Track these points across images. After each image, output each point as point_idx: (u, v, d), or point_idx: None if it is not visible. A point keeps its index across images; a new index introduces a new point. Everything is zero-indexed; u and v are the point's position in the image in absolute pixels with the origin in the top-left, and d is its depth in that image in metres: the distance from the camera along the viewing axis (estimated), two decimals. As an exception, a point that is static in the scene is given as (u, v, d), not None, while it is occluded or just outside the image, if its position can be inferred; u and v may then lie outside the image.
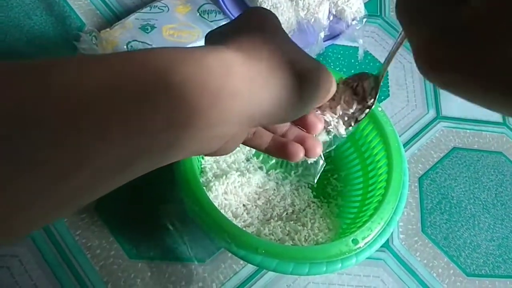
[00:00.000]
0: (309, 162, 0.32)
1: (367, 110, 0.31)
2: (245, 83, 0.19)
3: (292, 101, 0.22)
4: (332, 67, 0.61)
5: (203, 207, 0.34)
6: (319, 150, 0.28)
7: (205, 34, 0.25)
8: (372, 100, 0.31)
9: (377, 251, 0.36)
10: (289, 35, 0.57)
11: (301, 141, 0.28)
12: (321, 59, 0.61)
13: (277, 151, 0.28)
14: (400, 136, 0.52)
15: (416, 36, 0.16)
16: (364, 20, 0.60)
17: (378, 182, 0.41)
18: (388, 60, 0.30)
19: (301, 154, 0.28)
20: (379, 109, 0.43)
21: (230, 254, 0.43)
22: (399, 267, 0.46)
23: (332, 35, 0.60)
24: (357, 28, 0.59)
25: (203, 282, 0.42)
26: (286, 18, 0.57)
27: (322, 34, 0.57)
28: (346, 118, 0.31)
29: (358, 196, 0.44)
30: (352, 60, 0.62)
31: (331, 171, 0.49)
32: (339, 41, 0.62)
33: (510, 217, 0.51)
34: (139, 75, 0.16)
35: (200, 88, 0.18)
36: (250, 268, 0.44)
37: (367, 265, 0.45)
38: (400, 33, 0.27)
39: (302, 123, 0.29)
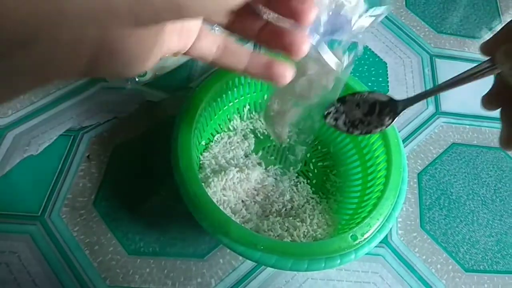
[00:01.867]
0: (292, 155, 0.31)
1: (382, 128, 0.32)
2: None
3: None
4: (331, 62, 0.61)
5: (201, 203, 0.34)
6: (305, 47, 0.22)
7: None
8: (390, 121, 0.31)
9: (376, 246, 0.36)
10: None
11: (279, 37, 0.21)
12: (320, 54, 0.61)
13: (260, 72, 0.23)
14: (399, 132, 0.52)
15: None
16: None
17: (377, 178, 0.41)
18: (419, 97, 0.30)
19: (288, 76, 0.23)
20: None
21: (229, 250, 0.43)
22: (398, 263, 0.46)
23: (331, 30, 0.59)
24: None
25: (202, 278, 0.42)
26: (285, 13, 0.57)
27: (321, 28, 0.56)
28: (356, 123, 0.32)
29: (357, 192, 0.44)
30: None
31: (330, 167, 0.49)
32: (338, 36, 0.62)
33: (509, 213, 0.51)
34: None
35: None
36: (249, 264, 0.44)
37: (366, 261, 0.45)
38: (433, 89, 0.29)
39: (283, 10, 0.21)
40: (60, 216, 0.44)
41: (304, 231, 0.42)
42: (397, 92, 0.59)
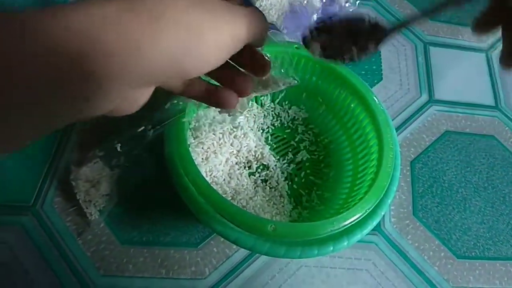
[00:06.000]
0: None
1: (364, 55, 0.29)
2: (125, 38, 0.17)
3: (193, 53, 0.20)
4: (325, 50, 0.60)
5: (197, 189, 0.34)
6: (249, 88, 0.27)
7: None
8: (374, 47, 0.28)
9: (368, 234, 0.36)
10: (281, 17, 0.56)
11: (232, 80, 0.27)
12: (314, 42, 0.61)
13: (210, 99, 0.27)
14: (392, 120, 0.52)
15: None
16: (357, 2, 0.59)
17: (369, 167, 0.41)
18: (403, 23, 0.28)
19: (233, 101, 0.27)
20: (375, 99, 0.42)
21: (222, 239, 0.43)
22: (390, 250, 0.46)
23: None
24: (350, 10, 0.59)
25: (196, 267, 0.43)
26: None
27: (314, 17, 0.56)
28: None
29: (348, 182, 0.44)
30: (345, 44, 0.61)
31: (321, 158, 0.49)
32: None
33: (500, 200, 0.51)
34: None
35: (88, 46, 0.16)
36: (242, 253, 0.44)
37: (359, 248, 0.46)
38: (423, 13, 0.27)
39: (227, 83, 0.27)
40: (52, 206, 0.44)
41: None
42: (391, 80, 0.59)
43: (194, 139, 0.44)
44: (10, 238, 0.42)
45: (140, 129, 0.40)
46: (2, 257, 0.41)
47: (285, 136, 0.50)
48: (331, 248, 0.34)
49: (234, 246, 0.44)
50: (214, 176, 0.44)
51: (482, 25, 0.26)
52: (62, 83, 0.17)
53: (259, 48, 0.28)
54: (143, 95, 0.21)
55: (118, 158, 0.44)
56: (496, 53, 0.65)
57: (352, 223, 0.34)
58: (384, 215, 0.48)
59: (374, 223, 0.36)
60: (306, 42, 0.30)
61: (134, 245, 0.43)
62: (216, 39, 0.21)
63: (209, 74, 0.27)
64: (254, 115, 0.50)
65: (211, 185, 0.34)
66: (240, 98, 0.29)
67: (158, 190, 0.46)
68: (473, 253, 0.47)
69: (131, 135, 0.41)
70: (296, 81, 0.32)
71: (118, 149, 0.42)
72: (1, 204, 0.43)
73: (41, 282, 0.40)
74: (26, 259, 0.41)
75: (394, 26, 0.29)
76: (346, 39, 0.29)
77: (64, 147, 0.47)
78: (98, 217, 0.43)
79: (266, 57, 0.27)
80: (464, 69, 0.62)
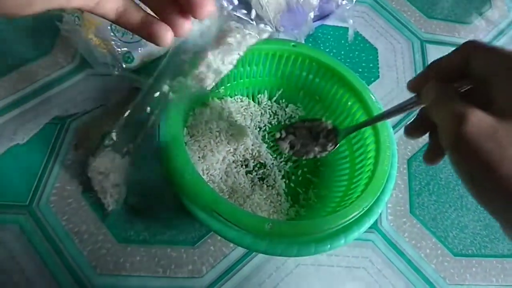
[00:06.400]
0: None
1: (325, 153, 0.38)
2: None
3: None
4: (322, 48, 0.60)
5: (193, 188, 0.34)
6: (183, 26, 0.24)
7: None
8: (332, 147, 0.37)
9: (365, 232, 0.36)
10: (278, 15, 0.56)
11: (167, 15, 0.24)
12: (310, 40, 0.61)
13: (144, 32, 0.25)
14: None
15: None
16: (354, 0, 0.59)
17: (366, 165, 0.41)
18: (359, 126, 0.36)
19: (166, 37, 0.24)
20: (372, 97, 0.42)
21: (219, 238, 0.43)
22: (387, 248, 0.46)
23: (322, 15, 0.59)
24: (347, 8, 0.58)
25: (193, 265, 0.42)
26: (275, -3, 0.56)
27: (311, 14, 0.56)
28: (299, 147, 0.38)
29: (344, 180, 0.44)
30: (342, 41, 0.61)
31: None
32: (329, 22, 0.62)
33: (497, 198, 0.51)
34: None
35: None
36: (240, 251, 0.44)
37: (356, 246, 0.46)
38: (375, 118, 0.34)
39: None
40: (48, 205, 0.44)
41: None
42: (388, 77, 0.59)
43: (190, 137, 0.44)
44: (6, 237, 0.41)
45: (126, 114, 0.40)
46: (-2, 256, 0.41)
47: (282, 134, 0.50)
48: (328, 246, 0.34)
49: (231, 245, 0.44)
50: (211, 175, 0.44)
51: (412, 131, 0.30)
52: None
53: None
54: None
55: (127, 146, 0.43)
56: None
57: (349, 221, 0.34)
58: (381, 213, 0.48)
59: (371, 221, 0.36)
60: (277, 142, 0.39)
61: (131, 243, 0.43)
62: None
63: (147, 3, 0.25)
64: (251, 113, 0.50)
65: (208, 183, 0.34)
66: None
67: (155, 188, 0.45)
68: (469, 251, 0.48)
69: (120, 122, 0.40)
70: (269, 30, 0.32)
71: (114, 138, 0.41)
72: (-3, 203, 0.43)
73: (37, 281, 0.40)
74: (22, 258, 0.41)
75: (349, 129, 0.36)
76: (309, 140, 0.38)
77: (60, 146, 0.47)
78: (115, 207, 0.43)
79: None
80: (460, 66, 0.62)
